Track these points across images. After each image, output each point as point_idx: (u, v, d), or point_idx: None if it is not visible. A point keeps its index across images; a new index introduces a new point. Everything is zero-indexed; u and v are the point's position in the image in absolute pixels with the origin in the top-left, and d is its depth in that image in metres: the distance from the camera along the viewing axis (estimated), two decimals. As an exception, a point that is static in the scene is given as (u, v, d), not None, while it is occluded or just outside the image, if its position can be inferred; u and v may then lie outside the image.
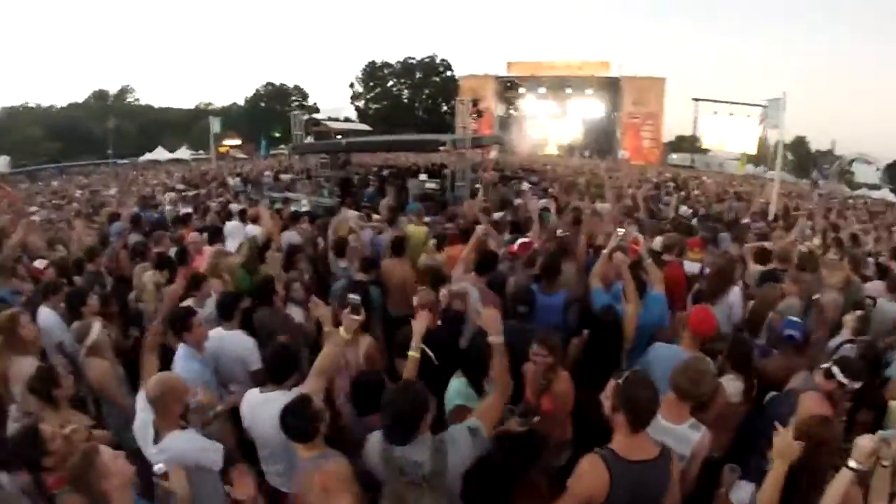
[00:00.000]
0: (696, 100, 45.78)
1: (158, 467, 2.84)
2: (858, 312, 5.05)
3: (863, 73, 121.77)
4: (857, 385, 3.64)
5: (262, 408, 3.43)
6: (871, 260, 8.66)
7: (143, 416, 3.32)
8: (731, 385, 3.95)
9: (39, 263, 6.59)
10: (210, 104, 69.10)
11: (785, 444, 2.70)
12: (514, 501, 3.17)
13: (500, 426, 3.18)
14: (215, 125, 25.67)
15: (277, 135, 53.49)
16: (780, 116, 12.37)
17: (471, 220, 8.17)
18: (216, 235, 7.63)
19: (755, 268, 6.65)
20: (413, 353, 3.55)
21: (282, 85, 67.45)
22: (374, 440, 2.88)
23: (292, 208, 10.53)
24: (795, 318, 4.54)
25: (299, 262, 6.64)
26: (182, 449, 3.15)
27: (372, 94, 65.37)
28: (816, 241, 9.50)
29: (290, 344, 4.09)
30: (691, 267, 6.43)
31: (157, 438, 3.17)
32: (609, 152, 46.82)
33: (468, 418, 3.03)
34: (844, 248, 8.78)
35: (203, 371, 4.14)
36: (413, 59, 65.39)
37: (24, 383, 3.77)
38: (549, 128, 52.38)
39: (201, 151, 47.21)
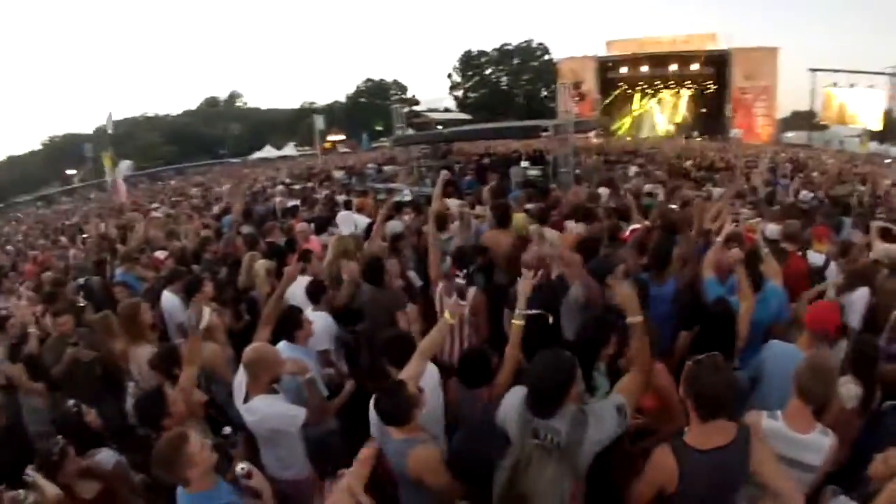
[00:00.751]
0: (814, 70, 42.19)
1: (241, 467, 3.06)
2: None
3: None
4: None
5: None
6: None
7: (240, 378, 3.73)
8: (849, 389, 3.46)
9: (160, 254, 7.29)
10: (314, 103, 71.53)
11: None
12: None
13: None
14: (319, 122, 26.85)
15: (379, 128, 54.49)
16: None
17: (574, 206, 8.01)
18: (324, 225, 7.98)
19: (881, 246, 5.98)
20: (517, 321, 3.60)
21: (381, 80, 69.51)
22: (515, 398, 2.94)
23: (395, 198, 10.66)
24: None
25: (403, 250, 6.84)
26: (264, 412, 3.57)
27: (470, 84, 65.90)
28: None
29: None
30: (815, 258, 5.97)
31: (246, 399, 3.60)
32: (719, 131, 44.13)
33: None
34: None
35: (308, 360, 4.29)
36: (509, 45, 65.37)
37: (140, 365, 4.41)
38: (655, 108, 50.56)
39: (307, 148, 49.42)
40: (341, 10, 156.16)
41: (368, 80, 69.56)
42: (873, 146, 37.86)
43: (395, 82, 69.70)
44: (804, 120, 47.48)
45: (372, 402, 3.12)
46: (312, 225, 8.14)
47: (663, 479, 2.60)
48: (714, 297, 4.49)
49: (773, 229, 6.29)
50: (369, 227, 7.47)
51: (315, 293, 5.21)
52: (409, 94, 67.64)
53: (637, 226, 6.41)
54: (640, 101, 50.67)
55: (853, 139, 39.73)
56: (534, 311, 3.83)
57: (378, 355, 3.93)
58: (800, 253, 5.86)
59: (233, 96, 75.39)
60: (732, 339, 4.03)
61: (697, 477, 2.54)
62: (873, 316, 4.91)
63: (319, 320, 4.80)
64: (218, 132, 60.04)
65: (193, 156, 53.86)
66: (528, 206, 8.15)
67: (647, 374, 3.13)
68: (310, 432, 3.82)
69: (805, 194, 11.01)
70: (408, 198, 10.99)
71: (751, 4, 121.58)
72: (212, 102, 73.64)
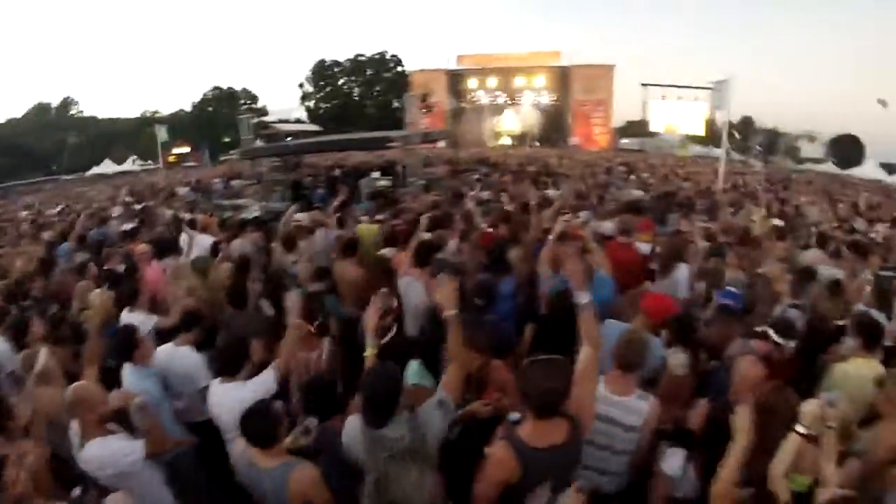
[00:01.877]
0: (645, 85, 46.06)
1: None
2: (790, 277, 5.37)
3: (805, 55, 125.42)
4: (792, 344, 3.87)
5: (223, 398, 3.58)
6: (813, 230, 9.01)
7: (73, 427, 3.36)
8: (676, 357, 4.00)
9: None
10: (157, 112, 66.31)
11: (742, 421, 2.78)
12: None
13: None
14: (162, 133, 25.23)
15: (227, 140, 51.76)
16: (724, 98, 12.64)
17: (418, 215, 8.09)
18: (168, 248, 7.33)
19: (704, 244, 6.90)
20: (370, 352, 3.55)
21: (229, 88, 65.71)
22: (354, 422, 2.94)
23: (242, 215, 10.31)
24: (731, 289, 4.74)
25: (251, 273, 6.19)
26: (99, 457, 3.21)
27: (322, 94, 64.40)
28: (760, 214, 9.73)
29: (240, 337, 4.06)
30: (642, 247, 6.55)
31: (81, 447, 3.23)
32: (561, 140, 47.52)
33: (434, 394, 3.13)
34: (789, 220, 9.15)
35: (153, 387, 4.08)
36: (363, 55, 64.53)
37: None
38: (502, 119, 52.68)
39: (150, 162, 45.77)
40: (187, 10, 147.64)
41: (216, 87, 65.51)
42: (698, 149, 42.38)
43: (245, 91, 66.47)
44: (638, 128, 51.30)
45: (239, 425, 2.96)
46: (152, 247, 7.17)
47: (505, 475, 2.64)
48: (552, 290, 4.82)
49: (607, 225, 6.95)
50: (215, 249, 7.02)
51: (189, 322, 4.67)
52: (259, 104, 64.44)
53: (486, 229, 6.68)
54: (488, 112, 52.60)
55: (680, 145, 44.51)
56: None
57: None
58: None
59: (66, 103, 66.85)
60: (574, 326, 4.33)
61: (537, 473, 2.61)
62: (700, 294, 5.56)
63: (191, 357, 4.45)
64: (50, 145, 53.13)
65: (21, 172, 47.36)
66: (378, 216, 8.28)
67: (463, 365, 3.24)
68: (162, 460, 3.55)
69: (636, 193, 11.97)
70: (255, 214, 10.62)
71: (590, 25, 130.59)
72: (42, 110, 65.27)
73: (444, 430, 2.96)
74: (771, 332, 3.89)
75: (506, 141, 49.52)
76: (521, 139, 49.05)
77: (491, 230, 6.57)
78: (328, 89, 64.71)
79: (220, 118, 58.24)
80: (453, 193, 10.64)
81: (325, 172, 18.49)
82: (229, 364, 3.68)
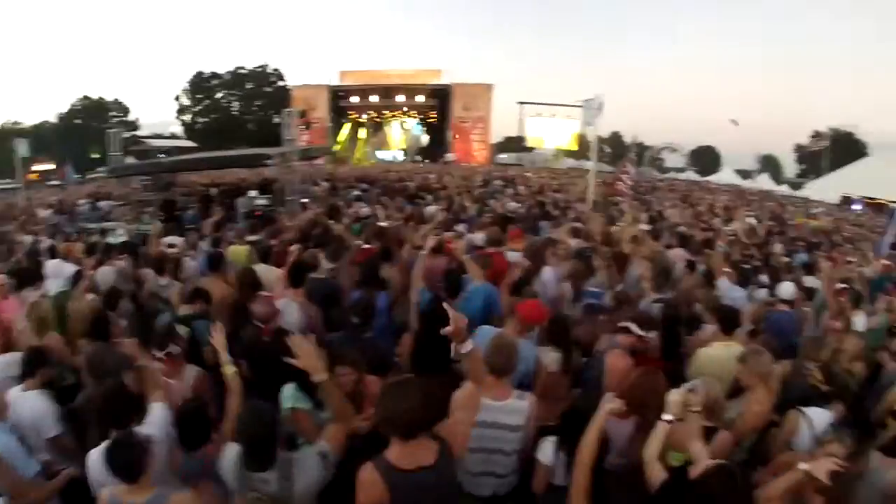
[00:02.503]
0: (521, 103, 48.08)
1: None
2: (647, 274, 5.84)
3: (663, 75, 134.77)
4: (652, 334, 4.20)
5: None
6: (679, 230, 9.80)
7: None
8: (549, 356, 4.30)
9: None
10: (17, 123, 61.29)
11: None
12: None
13: None
14: (22, 148, 23.22)
15: (96, 156, 47.27)
16: (594, 115, 13.23)
17: (297, 234, 8.03)
18: (29, 278, 6.49)
19: (573, 243, 7.38)
20: (229, 370, 3.52)
21: (100, 99, 61.65)
22: (230, 452, 2.84)
23: (108, 239, 9.51)
24: (594, 288, 5.06)
25: (120, 303, 5.66)
26: None
27: (200, 108, 61.62)
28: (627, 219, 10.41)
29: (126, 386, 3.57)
30: (513, 256, 6.79)
31: None
32: (441, 156, 48.31)
33: (319, 441, 3.05)
34: (655, 224, 9.83)
35: (10, 441, 3.55)
36: (243, 68, 62.56)
37: None
38: (384, 135, 53.00)
39: (8, 180, 41.68)
40: (56, 11, 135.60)
41: (85, 97, 61.21)
42: (571, 162, 44.77)
43: (116, 102, 62.43)
44: (515, 144, 53.27)
45: (104, 459, 2.75)
46: (12, 279, 6.35)
47: (373, 499, 2.57)
48: (426, 301, 4.93)
49: (478, 236, 7.16)
50: (77, 277, 6.37)
51: (33, 363, 4.01)
52: (131, 117, 61.51)
53: (366, 245, 6.70)
54: (370, 129, 52.78)
55: (552, 158, 47.61)
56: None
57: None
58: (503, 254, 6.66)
59: (-87, 112, 61.45)
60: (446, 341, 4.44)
61: (407, 495, 2.56)
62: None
63: (37, 402, 3.84)
64: None
65: None
66: (252, 237, 8.02)
67: (346, 423, 3.17)
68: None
69: (512, 205, 12.41)
70: (122, 238, 9.86)
71: (472, 45, 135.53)
72: None
73: (320, 483, 2.88)
74: (632, 325, 4.16)
75: (387, 157, 49.75)
76: (402, 155, 49.56)
77: (366, 246, 6.58)
78: (206, 103, 61.98)
79: (89, 132, 53.87)
80: (331, 211, 10.54)
81: (200, 191, 17.70)
82: (120, 419, 3.18)
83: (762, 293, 6.97)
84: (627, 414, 3.37)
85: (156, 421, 3.31)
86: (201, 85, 61.99)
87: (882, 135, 61.43)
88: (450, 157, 47.54)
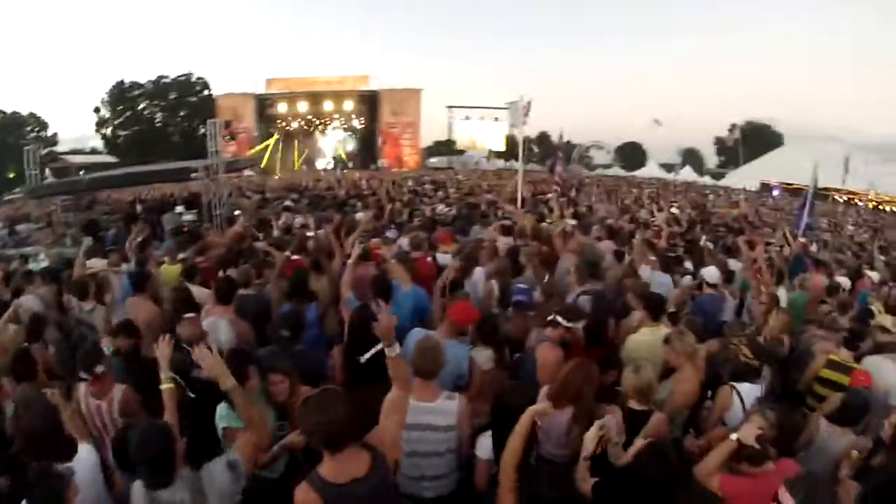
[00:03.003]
0: (450, 107, 48.83)
1: None
2: (573, 267, 5.98)
3: (589, 75, 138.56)
4: (580, 325, 4.34)
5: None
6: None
7: None
8: (481, 355, 4.36)
9: None
10: None
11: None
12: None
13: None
14: None
15: (11, 175, 45.21)
16: (519, 116, 13.37)
17: (226, 248, 7.87)
18: None
19: (503, 240, 7.54)
20: (165, 385, 3.41)
21: (14, 113, 57.88)
22: (137, 486, 2.74)
23: (29, 265, 8.98)
24: (522, 285, 5.17)
25: (45, 333, 5.42)
26: None
27: (121, 120, 58.05)
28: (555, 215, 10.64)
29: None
30: (444, 258, 6.84)
31: None
32: (372, 162, 48.42)
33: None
34: (583, 219, 10.07)
35: None
36: (166, 77, 59.32)
37: None
38: (313, 143, 52.41)
39: None
40: None
41: None
42: (501, 163, 45.36)
43: (33, 116, 58.84)
44: (446, 147, 53.84)
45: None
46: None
47: None
48: (354, 309, 4.88)
49: (404, 241, 7.27)
50: None
51: None
52: (48, 132, 58.03)
53: (296, 257, 6.60)
54: (298, 137, 52.08)
55: (483, 160, 48.49)
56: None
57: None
58: (428, 258, 6.74)
59: None
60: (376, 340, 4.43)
61: None
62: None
63: None
64: None
65: None
66: (181, 254, 7.75)
67: (257, 432, 3.17)
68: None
69: (441, 208, 12.48)
70: (44, 263, 9.26)
71: (399, 50, 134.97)
72: None
73: (235, 492, 2.84)
74: (559, 318, 4.26)
75: (318, 165, 49.22)
76: (334, 163, 49.12)
77: (294, 258, 6.49)
78: (128, 114, 58.35)
79: (3, 149, 50.56)
80: (260, 224, 10.31)
81: (124, 209, 17.05)
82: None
83: (687, 279, 7.21)
84: (563, 405, 3.47)
85: (83, 462, 3.18)
86: (122, 95, 58.73)
87: (796, 126, 65.18)
88: (381, 163, 47.48)
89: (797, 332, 6.11)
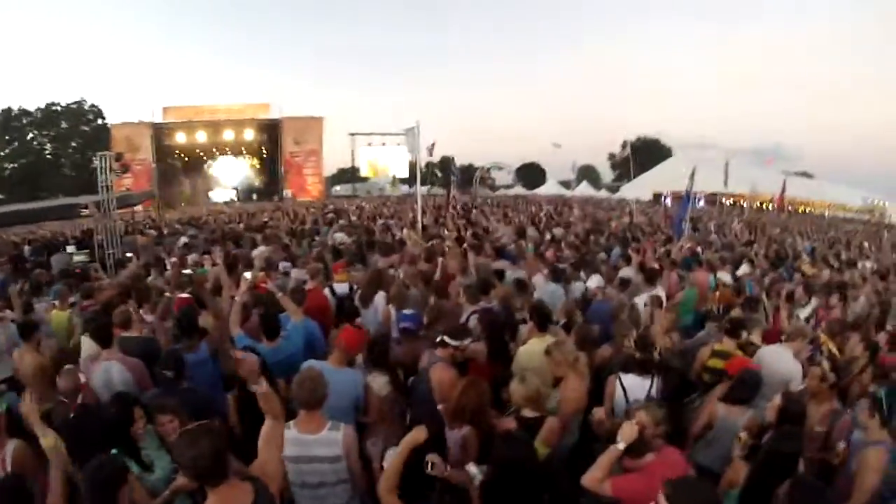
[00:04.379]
0: (352, 134, 48.84)
1: None
2: (463, 288, 6.27)
3: (488, 98, 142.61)
4: (466, 342, 4.53)
5: None
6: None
7: None
8: (377, 381, 4.40)
9: None
10: None
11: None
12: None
13: None
14: None
15: None
16: (415, 142, 13.53)
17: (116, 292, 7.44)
18: None
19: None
20: (45, 440, 3.40)
21: None
22: None
23: None
24: (408, 311, 5.35)
25: None
26: None
27: (8, 150, 55.93)
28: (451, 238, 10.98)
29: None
30: (341, 288, 6.95)
31: None
32: (275, 192, 47.52)
33: None
34: (479, 239, 10.40)
35: None
36: (57, 105, 57.40)
37: None
38: (214, 174, 51.07)
39: None
40: None
41: None
42: (405, 188, 45.78)
43: None
44: (350, 174, 53.82)
45: None
46: None
47: None
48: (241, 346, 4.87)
49: (300, 273, 7.49)
50: None
51: None
52: None
53: (184, 295, 6.47)
54: (198, 169, 50.68)
55: (387, 185, 50.06)
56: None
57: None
58: (325, 289, 6.87)
59: None
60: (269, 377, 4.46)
61: None
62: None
63: None
64: None
65: None
66: (72, 299, 7.45)
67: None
68: None
69: (341, 236, 12.56)
70: None
71: (300, 78, 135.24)
72: None
73: None
74: (446, 338, 4.43)
75: (219, 197, 47.91)
76: (237, 194, 48.00)
77: (182, 296, 6.38)
78: (15, 144, 56.24)
79: None
80: (154, 261, 9.98)
81: (10, 251, 16.10)
82: None
83: (579, 287, 7.63)
84: (459, 424, 3.66)
85: None
86: (9, 124, 56.33)
87: (682, 137, 70.13)
88: (286, 193, 46.58)
89: (686, 325, 6.94)
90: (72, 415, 4.07)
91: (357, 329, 4.88)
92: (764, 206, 37.84)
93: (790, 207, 36.71)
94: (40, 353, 5.71)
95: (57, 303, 7.41)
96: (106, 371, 4.80)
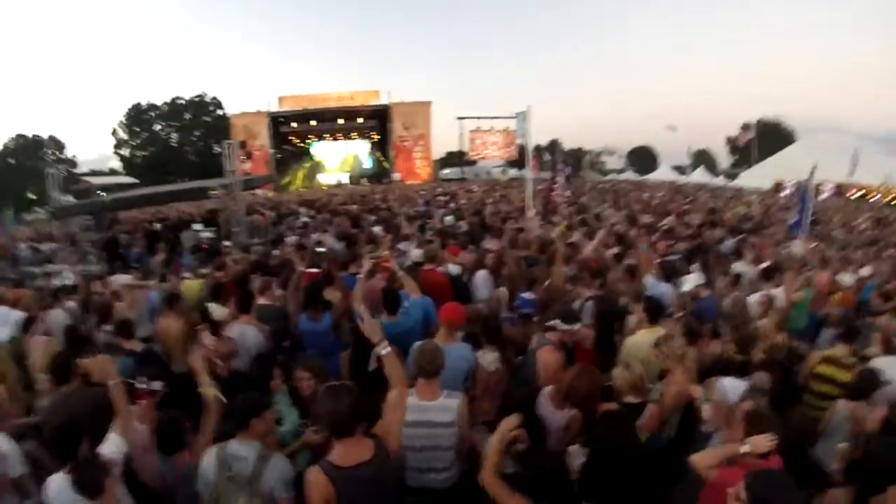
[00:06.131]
0: (460, 118, 49.07)
1: None
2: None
3: (598, 81, 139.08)
4: (577, 327, 4.67)
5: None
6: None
7: None
8: (488, 357, 4.60)
9: None
10: None
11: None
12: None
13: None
14: None
15: (33, 196, 45.03)
16: (526, 126, 13.50)
17: (246, 265, 8.19)
18: None
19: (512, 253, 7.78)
20: (208, 390, 3.68)
21: (34, 136, 59.45)
22: (211, 455, 3.17)
23: (55, 282, 9.40)
24: (527, 296, 5.43)
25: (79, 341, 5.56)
26: None
27: (138, 141, 60.28)
28: (561, 226, 10.97)
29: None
30: (454, 269, 7.20)
31: None
32: (385, 176, 48.67)
33: None
34: (590, 226, 10.31)
35: None
36: (181, 98, 61.36)
37: None
38: (327, 159, 52.93)
39: None
40: None
41: (19, 135, 59.49)
42: (514, 172, 45.88)
43: (52, 139, 60.04)
44: (457, 158, 54.14)
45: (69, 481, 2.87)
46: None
47: (322, 495, 2.80)
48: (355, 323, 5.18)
49: (416, 253, 7.61)
50: (28, 323, 6.30)
51: None
52: (68, 154, 59.96)
53: (313, 270, 6.87)
54: (313, 153, 52.64)
55: (497, 169, 48.95)
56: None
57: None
58: (439, 268, 7.03)
59: None
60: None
61: (351, 490, 2.81)
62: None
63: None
64: None
65: None
66: (204, 270, 8.14)
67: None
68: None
69: (450, 219, 12.78)
70: (70, 281, 9.48)
71: (408, 65, 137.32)
72: None
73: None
74: (557, 322, 4.54)
75: (331, 181, 49.61)
76: (349, 177, 49.46)
77: (310, 271, 6.75)
78: (144, 136, 60.60)
79: (25, 171, 51.90)
80: (277, 239, 10.68)
81: (144, 227, 17.44)
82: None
83: (692, 279, 7.38)
84: (562, 406, 3.79)
85: (112, 446, 3.41)
86: (138, 117, 60.63)
87: (807, 120, 65.00)
88: (395, 176, 47.75)
89: (799, 328, 6.53)
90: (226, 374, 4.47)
91: (456, 305, 4.99)
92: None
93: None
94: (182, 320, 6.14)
95: (189, 274, 8.13)
96: (241, 334, 5.24)
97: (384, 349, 3.21)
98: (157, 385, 3.81)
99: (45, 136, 60.37)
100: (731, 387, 4.06)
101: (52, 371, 4.68)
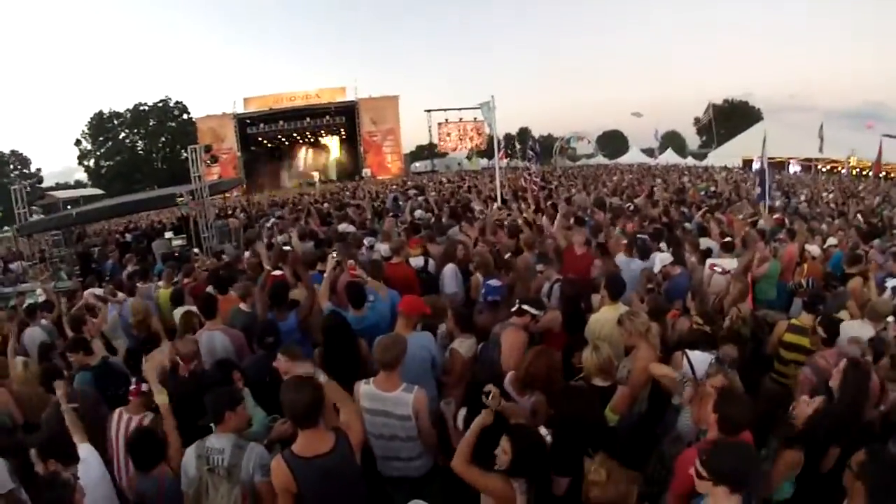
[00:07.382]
0: (428, 111, 48.98)
1: None
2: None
3: (566, 69, 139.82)
4: (542, 312, 4.70)
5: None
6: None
7: None
8: (465, 344, 4.66)
9: None
10: None
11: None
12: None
13: None
14: None
15: None
16: (492, 115, 13.55)
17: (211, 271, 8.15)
18: None
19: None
20: (159, 397, 3.74)
21: None
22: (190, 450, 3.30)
23: (28, 301, 9.29)
24: (493, 283, 5.47)
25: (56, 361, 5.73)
26: None
27: (103, 150, 59.60)
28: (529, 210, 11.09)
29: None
30: (416, 262, 7.21)
31: None
32: (355, 172, 48.63)
33: None
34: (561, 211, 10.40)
35: None
36: (145, 104, 60.68)
37: None
38: (296, 159, 52.62)
39: None
40: None
41: None
42: (484, 162, 46.45)
43: (15, 154, 59.52)
44: (427, 150, 54.20)
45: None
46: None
47: (283, 484, 2.95)
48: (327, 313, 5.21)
49: (383, 247, 7.73)
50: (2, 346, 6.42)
51: None
52: (32, 168, 59.14)
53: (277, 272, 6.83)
54: (281, 154, 52.30)
55: (465, 160, 49.95)
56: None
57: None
58: (406, 261, 7.06)
59: None
60: (352, 341, 4.76)
61: (310, 481, 2.92)
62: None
63: None
64: None
65: None
66: (174, 279, 8.10)
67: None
68: None
69: (420, 213, 12.78)
70: (42, 298, 9.35)
71: (374, 60, 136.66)
72: None
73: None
74: (525, 306, 4.57)
75: (301, 180, 49.33)
76: (318, 176, 49.20)
77: (275, 273, 6.72)
78: (109, 145, 59.81)
79: None
80: (246, 241, 10.63)
81: (116, 239, 17.23)
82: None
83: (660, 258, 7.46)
84: (523, 392, 3.83)
85: (88, 460, 3.49)
86: (102, 126, 59.89)
87: (773, 98, 66.22)
88: (366, 172, 47.68)
89: (769, 299, 6.82)
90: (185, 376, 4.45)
91: (413, 297, 5.04)
92: (864, 173, 35.15)
93: (893, 175, 34.24)
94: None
95: (162, 282, 8.11)
96: (209, 339, 5.26)
97: (321, 378, 3.29)
98: (145, 387, 3.93)
99: (7, 151, 59.64)
100: (699, 360, 4.16)
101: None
